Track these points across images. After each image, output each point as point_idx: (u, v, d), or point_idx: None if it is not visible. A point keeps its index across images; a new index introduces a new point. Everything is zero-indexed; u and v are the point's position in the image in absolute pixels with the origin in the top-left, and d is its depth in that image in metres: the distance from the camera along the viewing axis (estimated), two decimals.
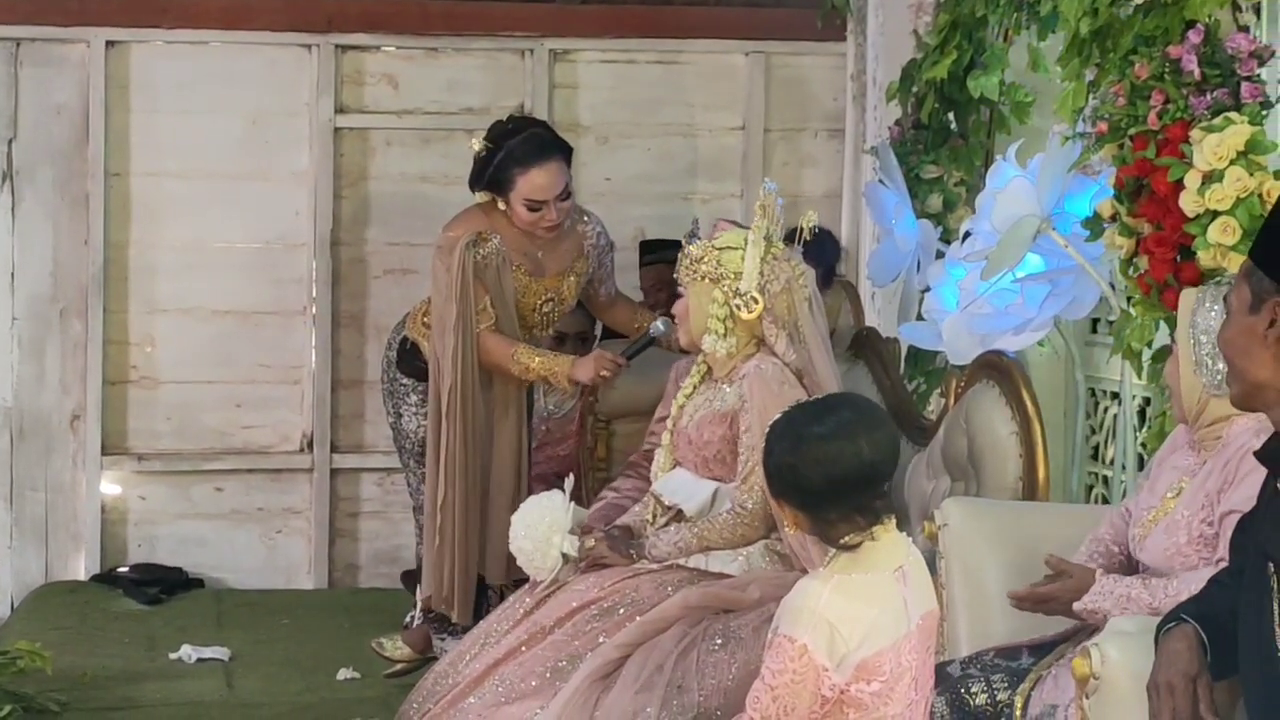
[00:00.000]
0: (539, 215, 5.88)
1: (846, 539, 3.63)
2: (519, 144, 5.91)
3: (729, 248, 5.09)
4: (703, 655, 4.65)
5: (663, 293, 6.84)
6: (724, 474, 5.04)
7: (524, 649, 4.87)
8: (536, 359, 5.89)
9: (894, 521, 3.67)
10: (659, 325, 5.77)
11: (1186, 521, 4.09)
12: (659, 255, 7.07)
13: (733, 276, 5.05)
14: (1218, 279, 4.38)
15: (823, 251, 6.69)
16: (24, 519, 7.74)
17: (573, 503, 5.13)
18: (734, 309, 5.04)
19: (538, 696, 4.72)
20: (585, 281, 6.18)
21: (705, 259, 5.08)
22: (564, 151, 5.96)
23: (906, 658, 3.61)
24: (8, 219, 7.73)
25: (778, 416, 3.75)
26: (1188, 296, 4.16)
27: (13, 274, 7.73)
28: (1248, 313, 3.23)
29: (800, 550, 4.80)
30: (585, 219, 6.15)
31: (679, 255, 5.17)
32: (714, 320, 5.05)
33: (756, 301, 5.03)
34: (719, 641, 4.69)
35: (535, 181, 5.86)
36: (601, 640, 4.77)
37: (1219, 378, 3.94)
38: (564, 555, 5.04)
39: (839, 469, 3.60)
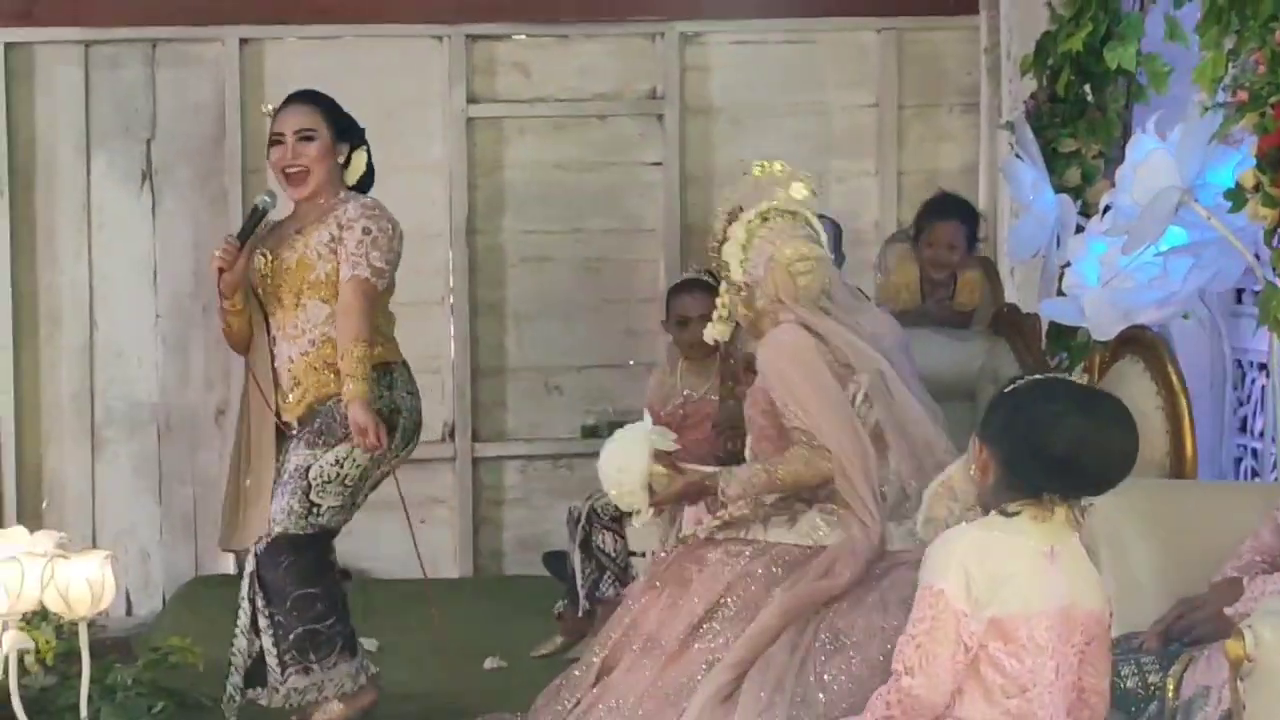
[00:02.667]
0: (280, 153, 5.77)
1: (1007, 505, 3.63)
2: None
3: (728, 240, 5.05)
4: (818, 665, 4.61)
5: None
6: (772, 452, 4.99)
7: (632, 670, 4.82)
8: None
9: (1065, 512, 3.64)
10: (264, 198, 5.75)
11: None
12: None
13: (728, 269, 5.03)
14: None
15: (966, 214, 6.67)
16: (172, 514, 7.84)
17: (655, 432, 5.11)
18: (734, 305, 5.03)
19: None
20: (330, 249, 5.68)
21: (720, 257, 5.05)
22: (321, 103, 5.86)
23: (1042, 636, 3.60)
24: (148, 218, 7.83)
25: (1050, 376, 3.75)
26: None
27: (155, 272, 7.83)
28: None
29: (858, 502, 4.78)
30: (355, 203, 5.74)
31: None
32: (722, 307, 5.06)
33: (744, 291, 5.00)
34: (830, 646, 4.65)
35: (280, 118, 5.82)
36: (709, 659, 4.71)
37: None
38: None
39: (1080, 458, 3.60)
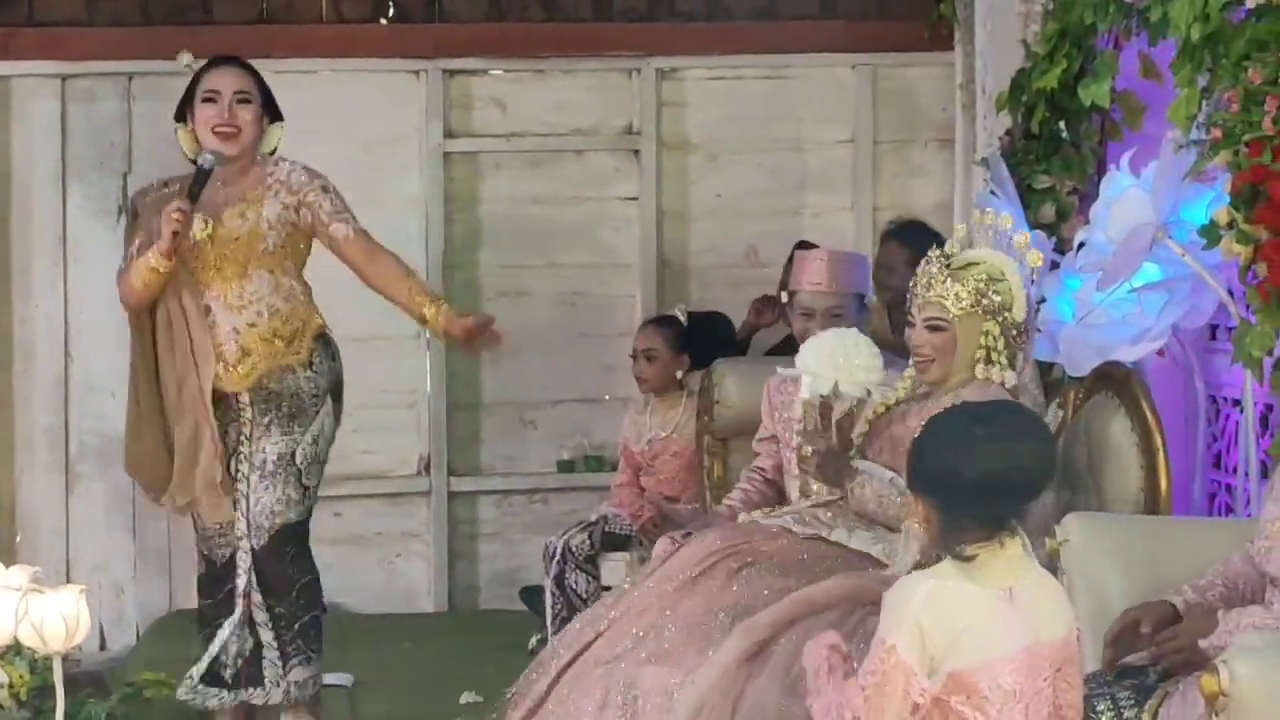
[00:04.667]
0: (214, 111, 5.79)
1: (963, 548, 3.61)
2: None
3: (998, 278, 5.05)
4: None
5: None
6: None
7: (664, 607, 4.84)
8: (142, 256, 5.73)
9: (1019, 543, 3.64)
10: (208, 156, 5.72)
11: None
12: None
13: (1006, 309, 5.06)
14: None
15: (916, 237, 6.64)
16: (146, 549, 7.82)
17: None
18: (1010, 340, 5.04)
19: (682, 662, 4.71)
20: (285, 220, 5.82)
21: (983, 291, 5.05)
22: (252, 71, 5.94)
23: (1008, 681, 3.57)
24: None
25: (938, 413, 3.76)
26: None
27: None
28: None
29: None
30: (280, 163, 5.89)
31: (929, 286, 5.11)
32: (994, 352, 5.04)
33: (1025, 335, 5.06)
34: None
35: (213, 77, 5.87)
36: (742, 603, 4.75)
37: None
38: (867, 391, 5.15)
39: (995, 471, 3.58)
